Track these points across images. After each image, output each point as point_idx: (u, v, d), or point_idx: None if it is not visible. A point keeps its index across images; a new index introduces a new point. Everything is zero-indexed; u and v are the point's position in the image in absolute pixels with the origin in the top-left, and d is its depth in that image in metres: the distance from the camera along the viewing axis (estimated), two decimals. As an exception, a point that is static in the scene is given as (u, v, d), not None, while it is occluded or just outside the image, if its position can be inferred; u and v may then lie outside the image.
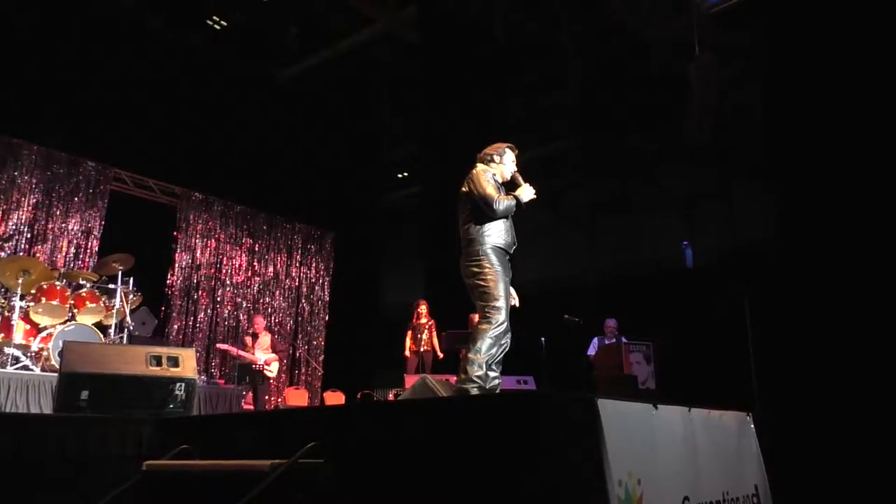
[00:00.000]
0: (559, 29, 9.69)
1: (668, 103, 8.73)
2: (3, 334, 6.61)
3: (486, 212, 4.02)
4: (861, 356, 6.09)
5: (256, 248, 11.61)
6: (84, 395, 4.53)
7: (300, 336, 12.02)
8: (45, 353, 6.60)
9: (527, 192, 4.14)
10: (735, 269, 7.94)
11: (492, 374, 3.90)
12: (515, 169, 4.31)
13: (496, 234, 4.04)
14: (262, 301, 11.53)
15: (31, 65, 8.32)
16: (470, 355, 3.84)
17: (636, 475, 2.53)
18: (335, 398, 9.94)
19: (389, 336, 9.89)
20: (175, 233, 10.53)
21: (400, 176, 12.74)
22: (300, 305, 12.14)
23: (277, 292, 11.82)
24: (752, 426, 3.72)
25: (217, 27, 9.84)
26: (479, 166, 4.20)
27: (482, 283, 3.93)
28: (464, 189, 4.15)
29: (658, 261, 9.42)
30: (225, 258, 11.12)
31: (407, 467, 2.60)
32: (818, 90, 6.96)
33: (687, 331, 7.96)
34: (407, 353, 8.89)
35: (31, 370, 6.42)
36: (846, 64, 6.73)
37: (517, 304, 4.27)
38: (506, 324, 3.92)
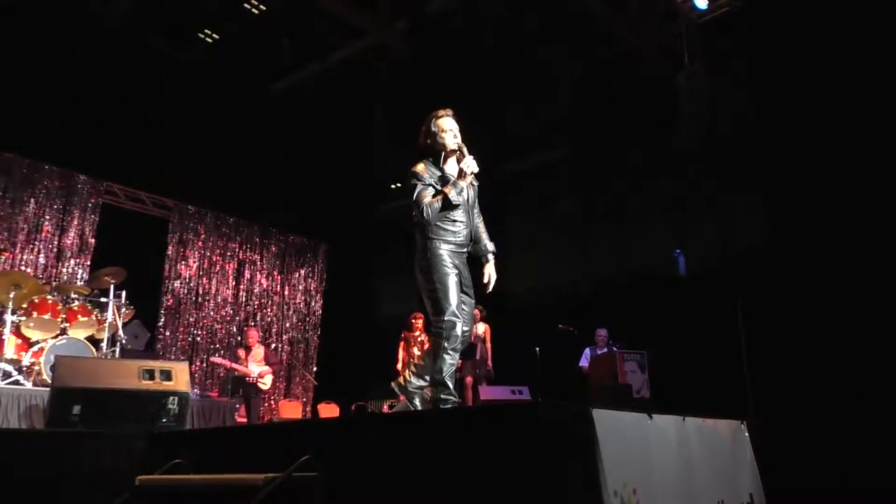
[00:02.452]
0: (549, 40, 9.74)
1: (659, 112, 8.77)
2: (-7, 349, 6.57)
3: (418, 218, 3.72)
4: (855, 362, 6.11)
5: (249, 260, 11.59)
6: (76, 409, 4.51)
7: (294, 348, 11.98)
8: (36, 368, 6.56)
9: (465, 174, 3.75)
10: (727, 276, 7.96)
11: (422, 383, 3.82)
12: (456, 136, 3.88)
13: (448, 233, 3.73)
14: (255, 313, 11.49)
15: (21, 79, 8.31)
16: (434, 377, 3.66)
17: (631, 485, 2.53)
18: (329, 410, 9.91)
19: (383, 347, 9.87)
20: (168, 245, 10.50)
21: (393, 186, 12.75)
22: (294, 317, 12.10)
23: (271, 304, 11.78)
24: (747, 434, 3.72)
25: (209, 40, 9.85)
26: (417, 165, 3.84)
27: (432, 291, 3.66)
28: (407, 191, 3.84)
29: (651, 269, 9.44)
30: (218, 270, 11.08)
31: (402, 480, 2.59)
32: (809, 96, 7.02)
33: (681, 338, 7.97)
34: (399, 365, 8.86)
35: (23, 385, 6.36)
36: (837, 69, 6.79)
37: (491, 286, 4.01)
38: (460, 329, 3.64)
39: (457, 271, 3.72)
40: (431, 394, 3.86)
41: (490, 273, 4.03)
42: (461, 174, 3.79)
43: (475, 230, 3.99)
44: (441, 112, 3.94)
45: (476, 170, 3.82)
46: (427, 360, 3.79)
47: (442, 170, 3.85)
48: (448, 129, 3.89)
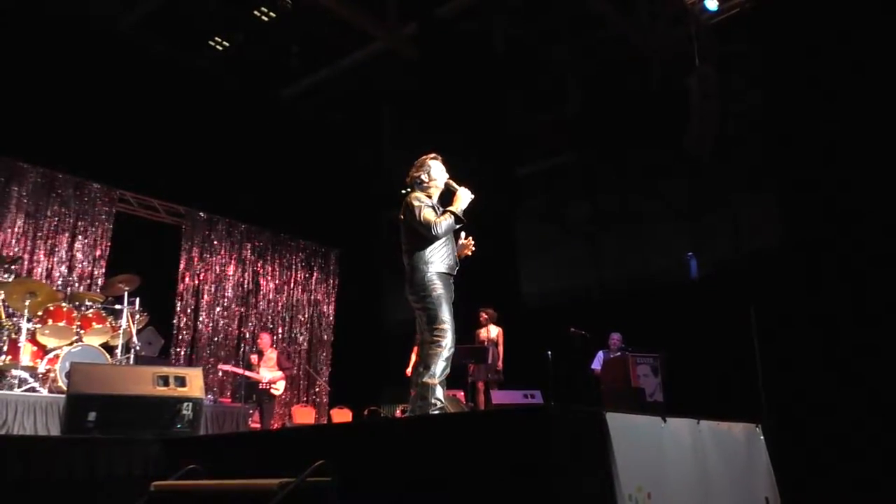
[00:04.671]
0: (558, 43, 9.74)
1: (669, 115, 8.74)
2: (10, 356, 6.62)
3: (427, 237, 4.02)
4: (870, 363, 6.06)
5: (261, 266, 11.63)
6: (91, 416, 4.53)
7: (306, 353, 12.01)
8: (52, 375, 6.61)
9: (463, 200, 4.14)
10: (740, 278, 7.91)
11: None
12: (447, 177, 4.32)
13: (439, 259, 4.04)
14: (267, 318, 11.53)
15: (34, 87, 8.38)
16: (426, 380, 3.85)
17: (646, 489, 2.52)
18: (342, 415, 9.91)
19: (396, 352, 9.87)
20: (180, 252, 10.55)
21: (403, 192, 12.79)
22: (306, 322, 12.13)
23: (282, 309, 11.81)
24: (762, 438, 3.70)
25: (219, 48, 9.92)
26: (413, 194, 4.22)
27: (429, 308, 3.95)
28: (401, 217, 4.17)
29: (662, 272, 9.40)
30: (230, 276, 11.13)
31: (415, 484, 2.59)
32: (820, 96, 6.98)
33: (693, 342, 7.93)
34: (409, 371, 8.83)
35: (39, 392, 6.42)
36: (848, 69, 6.75)
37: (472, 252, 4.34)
38: (453, 341, 3.94)
39: (446, 291, 4.02)
40: (417, 402, 3.92)
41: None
42: (457, 198, 4.14)
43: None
44: (434, 155, 4.37)
45: (472, 196, 4.17)
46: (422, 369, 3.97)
47: (435, 206, 4.22)
48: (440, 170, 4.32)
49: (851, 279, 6.38)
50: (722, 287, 7.93)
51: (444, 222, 4.02)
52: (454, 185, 4.24)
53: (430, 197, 4.24)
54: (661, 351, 7.80)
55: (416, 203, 4.10)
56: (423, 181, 4.29)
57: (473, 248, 4.36)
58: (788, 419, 5.75)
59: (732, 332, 6.69)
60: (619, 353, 8.39)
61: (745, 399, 6.04)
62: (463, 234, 4.34)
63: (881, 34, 6.50)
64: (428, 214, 4.03)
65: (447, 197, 4.26)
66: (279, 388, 8.89)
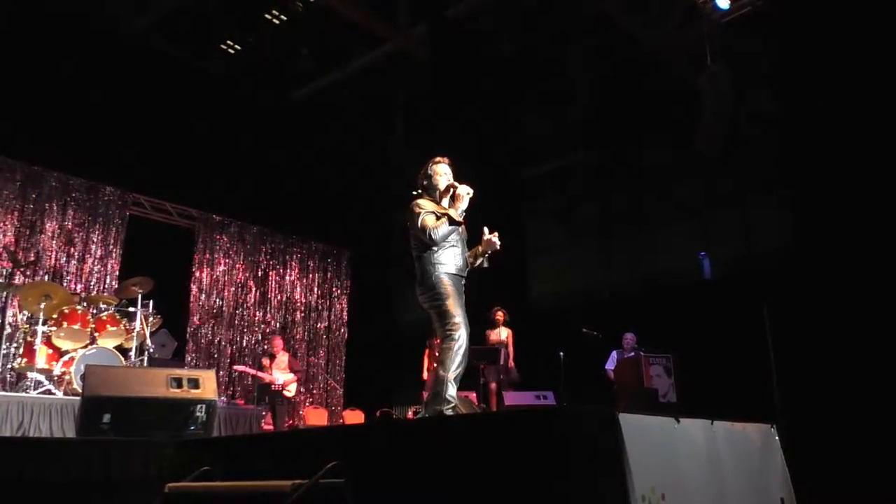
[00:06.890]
0: (569, 42, 9.71)
1: (681, 114, 8.70)
2: (26, 359, 6.69)
3: (426, 243, 4.05)
4: (884, 362, 6.01)
5: (273, 268, 11.67)
6: (106, 418, 4.57)
7: (318, 355, 12.03)
8: (67, 377, 6.67)
9: (462, 200, 4.11)
10: (753, 278, 7.86)
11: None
12: (449, 178, 4.30)
13: (447, 261, 4.07)
14: (279, 321, 11.56)
15: (48, 92, 8.46)
16: (441, 375, 3.87)
17: (660, 490, 2.50)
18: (354, 417, 9.94)
19: (408, 354, 9.88)
20: (193, 255, 10.60)
21: (414, 193, 12.79)
22: (318, 324, 12.16)
23: (295, 312, 11.85)
24: (777, 438, 3.67)
25: (231, 51, 9.97)
26: (416, 200, 4.24)
27: (440, 306, 3.98)
28: (407, 223, 4.20)
29: (675, 272, 9.36)
30: (242, 279, 11.17)
31: (427, 485, 2.59)
32: (832, 94, 6.93)
33: (707, 342, 7.88)
34: (425, 374, 8.83)
35: (54, 394, 6.47)
36: (860, 67, 6.70)
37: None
38: (466, 337, 3.94)
39: (456, 291, 4.04)
40: (433, 398, 3.94)
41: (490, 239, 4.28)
42: (457, 198, 4.13)
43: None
44: (438, 158, 4.38)
45: (470, 192, 4.15)
46: (462, 368, 3.98)
47: (438, 204, 4.23)
48: (443, 173, 4.32)
49: (864, 278, 6.33)
50: (735, 287, 7.87)
51: (441, 229, 4.01)
52: (455, 184, 4.23)
53: (433, 200, 4.25)
54: (674, 351, 7.76)
55: (415, 209, 4.14)
56: (425, 185, 4.34)
57: (496, 241, 4.25)
58: (803, 419, 5.70)
59: (746, 331, 6.64)
60: (632, 354, 8.35)
61: (760, 399, 6.00)
62: (486, 230, 4.29)
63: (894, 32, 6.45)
64: (426, 221, 4.06)
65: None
66: (292, 390, 8.93)
